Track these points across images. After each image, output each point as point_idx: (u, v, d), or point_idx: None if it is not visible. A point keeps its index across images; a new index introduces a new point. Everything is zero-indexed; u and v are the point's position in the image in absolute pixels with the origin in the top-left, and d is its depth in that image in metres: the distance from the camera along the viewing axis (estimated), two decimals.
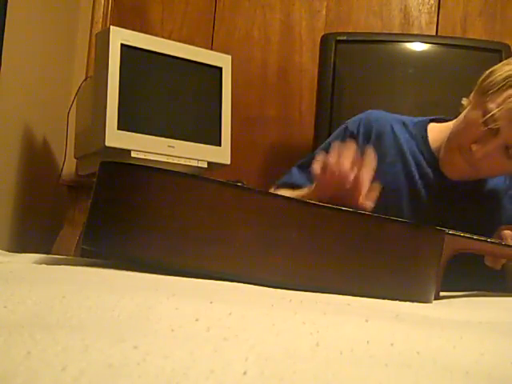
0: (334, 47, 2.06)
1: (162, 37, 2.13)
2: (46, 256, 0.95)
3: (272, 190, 1.32)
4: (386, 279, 0.79)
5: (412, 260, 0.81)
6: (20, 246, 2.03)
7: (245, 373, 0.34)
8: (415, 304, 0.77)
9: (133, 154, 1.80)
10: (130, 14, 2.58)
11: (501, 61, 1.93)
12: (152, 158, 1.83)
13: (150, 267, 0.70)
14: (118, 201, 0.75)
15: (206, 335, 0.43)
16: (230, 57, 2.02)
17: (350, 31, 2.41)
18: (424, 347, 0.46)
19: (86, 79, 2.12)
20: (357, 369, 0.38)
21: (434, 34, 2.44)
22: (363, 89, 2.13)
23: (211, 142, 1.95)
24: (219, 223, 0.72)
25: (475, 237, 0.92)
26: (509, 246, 0.99)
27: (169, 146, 1.87)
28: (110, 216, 0.75)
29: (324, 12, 2.52)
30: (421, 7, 2.47)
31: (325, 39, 2.10)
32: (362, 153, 0.97)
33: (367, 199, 0.96)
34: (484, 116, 1.09)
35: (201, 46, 2.07)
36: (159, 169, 0.74)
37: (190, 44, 2.02)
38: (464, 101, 1.19)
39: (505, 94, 1.07)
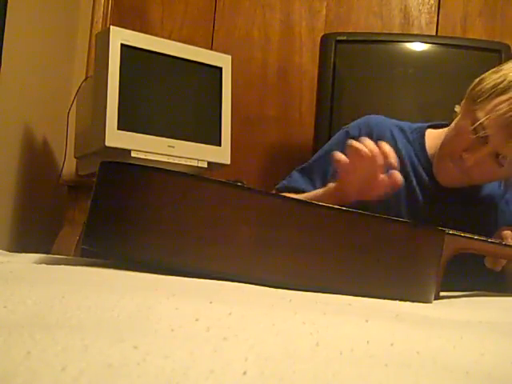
0: (333, 47, 2.06)
1: (162, 37, 2.13)
2: (46, 256, 0.95)
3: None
4: (387, 279, 0.79)
5: (412, 260, 0.81)
6: (20, 246, 2.03)
7: (245, 373, 0.34)
8: (415, 304, 0.77)
9: (133, 154, 1.80)
10: (130, 13, 2.58)
11: (501, 61, 1.93)
12: (152, 158, 1.83)
13: (149, 267, 0.70)
14: (118, 201, 0.75)
15: (205, 335, 0.43)
16: (229, 57, 2.02)
17: (349, 31, 2.41)
18: (424, 347, 0.46)
19: (86, 79, 2.12)
20: (357, 369, 0.38)
21: (434, 34, 2.44)
22: (363, 89, 2.13)
23: (211, 142, 1.95)
24: (219, 223, 0.72)
25: (475, 237, 0.92)
26: (509, 245, 0.99)
27: (169, 146, 1.87)
28: (109, 216, 0.75)
29: (324, 12, 2.52)
30: (421, 7, 2.47)
31: (325, 39, 2.10)
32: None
33: (392, 180, 1.01)
34: (473, 124, 1.10)
35: (201, 46, 2.07)
36: (159, 169, 0.74)
37: (190, 44, 2.02)
38: (457, 108, 1.20)
39: (493, 102, 1.08)
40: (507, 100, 1.06)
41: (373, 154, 1.00)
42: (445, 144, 1.19)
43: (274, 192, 1.33)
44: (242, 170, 2.32)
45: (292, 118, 2.51)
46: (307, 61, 2.49)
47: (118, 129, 1.77)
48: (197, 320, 0.46)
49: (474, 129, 1.10)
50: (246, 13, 2.54)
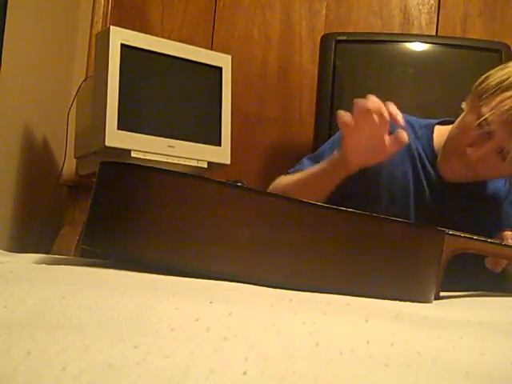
0: (333, 47, 2.06)
1: (162, 37, 2.13)
2: (45, 256, 0.95)
3: (282, 177, 1.33)
4: (386, 279, 0.79)
5: (412, 260, 0.81)
6: (20, 246, 2.03)
7: (245, 373, 0.34)
8: (415, 304, 0.77)
9: (133, 154, 1.80)
10: (130, 13, 2.58)
11: (501, 61, 1.93)
12: (152, 158, 1.83)
13: (149, 267, 0.70)
14: (118, 201, 0.75)
15: (205, 335, 0.43)
16: (229, 57, 2.02)
17: (349, 31, 2.41)
18: (424, 347, 0.46)
19: (86, 79, 2.12)
20: (357, 369, 0.38)
21: (434, 34, 2.44)
22: (363, 89, 2.11)
23: (211, 142, 1.95)
24: (219, 223, 0.72)
25: (475, 237, 0.92)
26: (509, 246, 1.00)
27: (169, 146, 1.87)
28: (109, 216, 0.75)
29: (324, 12, 2.52)
30: (421, 7, 2.47)
31: (325, 39, 2.10)
32: None
33: (398, 140, 1.01)
34: (478, 120, 1.11)
35: (201, 46, 2.07)
36: (159, 169, 0.74)
37: (190, 44, 2.02)
38: (463, 105, 1.20)
39: (498, 99, 1.09)
40: None
41: (378, 110, 0.99)
42: (450, 139, 1.20)
43: (283, 175, 1.33)
44: (242, 170, 2.32)
45: (292, 117, 2.51)
46: (307, 61, 2.49)
47: (118, 129, 1.77)
48: (197, 320, 0.46)
49: (479, 124, 1.11)
50: (246, 13, 2.54)
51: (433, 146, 1.27)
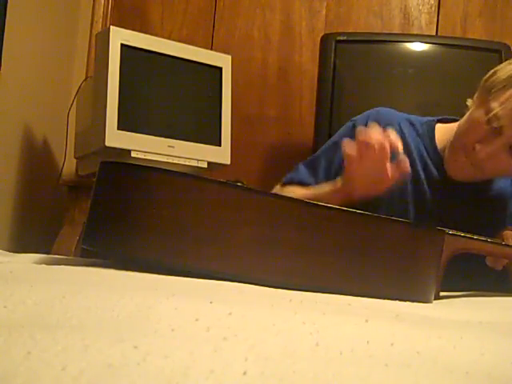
0: (333, 47, 2.05)
1: (162, 37, 2.13)
2: (46, 256, 0.95)
3: (278, 187, 1.33)
4: (386, 279, 0.79)
5: (412, 260, 0.81)
6: (20, 246, 2.03)
7: (245, 373, 0.34)
8: (415, 304, 0.77)
9: (133, 154, 1.80)
10: (130, 13, 2.58)
11: (501, 61, 1.93)
12: (152, 158, 1.83)
13: (149, 267, 0.70)
14: (118, 201, 0.75)
15: (205, 335, 0.43)
16: (229, 57, 2.02)
17: (349, 31, 2.41)
18: (424, 347, 0.46)
19: (86, 79, 2.12)
20: (357, 369, 0.38)
21: (434, 34, 2.44)
22: (363, 89, 2.13)
23: (211, 142, 1.95)
24: (219, 223, 0.72)
25: (475, 237, 0.92)
26: (509, 246, 0.99)
27: (169, 146, 1.86)
28: (109, 216, 0.75)
29: (324, 12, 2.52)
30: (421, 7, 2.47)
31: (325, 39, 2.10)
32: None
33: (401, 169, 1.00)
34: (487, 115, 1.09)
35: (201, 46, 2.07)
36: (159, 169, 0.74)
37: (189, 44, 2.02)
38: (469, 102, 1.18)
39: (508, 93, 1.07)
40: None
41: (379, 143, 0.99)
42: (457, 136, 1.18)
43: (279, 185, 1.33)
44: (242, 170, 2.31)
45: (292, 117, 2.51)
46: (307, 61, 2.49)
47: (118, 129, 1.77)
48: (197, 320, 0.46)
49: (488, 119, 1.09)
50: (246, 13, 2.54)
51: (435, 144, 1.25)
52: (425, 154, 1.25)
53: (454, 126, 1.23)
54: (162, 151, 1.85)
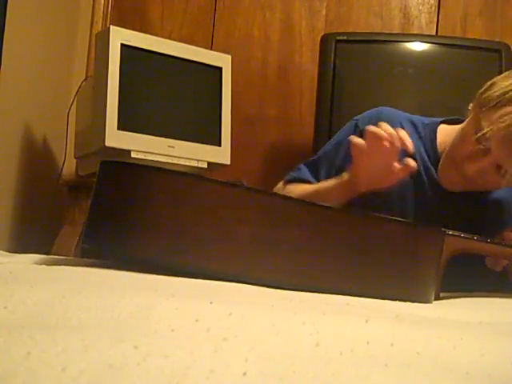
0: (334, 47, 2.05)
1: (162, 37, 2.13)
2: (46, 256, 0.95)
3: (280, 185, 1.33)
4: (386, 279, 0.79)
5: (412, 260, 0.81)
6: (20, 246, 2.03)
7: (245, 373, 0.34)
8: (415, 304, 0.77)
9: (133, 155, 1.80)
10: (130, 14, 2.58)
11: (501, 61, 1.93)
12: (152, 158, 1.83)
13: (149, 267, 0.70)
14: (118, 201, 0.75)
15: (205, 335, 0.43)
16: (229, 57, 2.02)
17: (349, 31, 2.41)
18: (424, 347, 0.46)
19: (86, 79, 2.12)
20: (357, 369, 0.38)
21: (434, 33, 2.44)
22: (363, 89, 2.13)
23: (211, 141, 1.95)
24: (219, 223, 0.72)
25: (475, 237, 0.92)
26: (509, 246, 0.99)
27: (169, 146, 1.86)
28: (109, 216, 0.75)
29: (324, 12, 2.52)
30: (421, 7, 2.47)
31: (325, 39, 2.10)
32: None
33: (408, 166, 1.01)
34: (476, 134, 1.08)
35: (201, 46, 2.07)
36: (159, 168, 0.74)
37: (190, 44, 2.02)
38: (470, 106, 1.16)
39: (498, 113, 1.05)
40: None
41: (391, 137, 0.99)
42: (450, 149, 1.18)
43: (282, 183, 1.33)
44: (242, 170, 2.31)
45: (292, 117, 2.51)
46: (307, 61, 2.49)
47: (118, 129, 1.77)
48: (197, 320, 0.46)
49: (477, 139, 1.08)
50: (246, 13, 2.54)
51: (436, 147, 1.24)
52: (425, 157, 1.24)
53: (456, 128, 1.22)
54: (162, 151, 1.85)
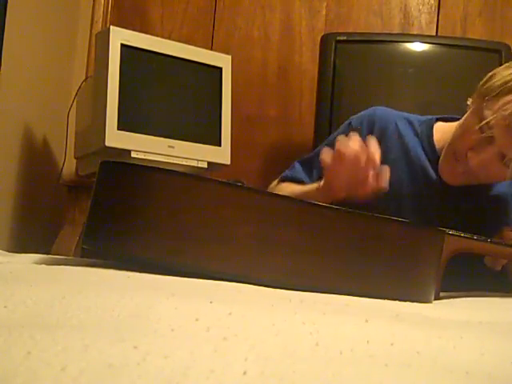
0: (334, 47, 2.06)
1: (162, 37, 2.13)
2: (45, 256, 0.95)
3: (275, 183, 1.33)
4: (386, 279, 0.79)
5: (412, 260, 0.81)
6: (20, 246, 2.03)
7: (245, 373, 0.34)
8: (415, 304, 0.77)
9: (133, 154, 1.80)
10: (130, 13, 2.58)
11: (501, 61, 1.93)
12: (152, 158, 1.83)
13: (149, 267, 0.70)
14: (118, 201, 0.75)
15: (205, 335, 0.43)
16: (229, 57, 2.02)
17: (349, 31, 2.41)
18: (424, 347, 0.46)
19: (86, 79, 2.12)
20: (357, 369, 0.38)
21: (434, 34, 2.44)
22: (363, 89, 2.13)
23: (211, 142, 1.95)
24: (219, 223, 0.72)
25: (475, 237, 0.92)
26: (509, 245, 0.99)
27: (169, 146, 1.86)
28: (109, 216, 0.75)
29: (324, 12, 2.52)
30: (421, 7, 2.47)
31: (325, 39, 2.10)
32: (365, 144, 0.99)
33: (379, 181, 0.98)
34: (480, 123, 1.07)
35: (201, 46, 2.07)
36: (159, 168, 0.74)
37: (190, 44, 2.02)
38: (469, 101, 1.17)
39: (501, 101, 1.05)
40: None
41: (354, 153, 0.96)
42: (451, 141, 1.17)
43: (276, 181, 1.34)
44: (242, 170, 2.31)
45: (292, 117, 2.51)
46: (307, 61, 2.49)
47: (118, 129, 1.77)
48: (197, 320, 0.46)
49: (480, 128, 1.07)
50: (246, 13, 2.54)
51: (433, 144, 1.24)
52: (422, 154, 1.24)
53: (453, 125, 1.22)
54: (162, 151, 1.85)
